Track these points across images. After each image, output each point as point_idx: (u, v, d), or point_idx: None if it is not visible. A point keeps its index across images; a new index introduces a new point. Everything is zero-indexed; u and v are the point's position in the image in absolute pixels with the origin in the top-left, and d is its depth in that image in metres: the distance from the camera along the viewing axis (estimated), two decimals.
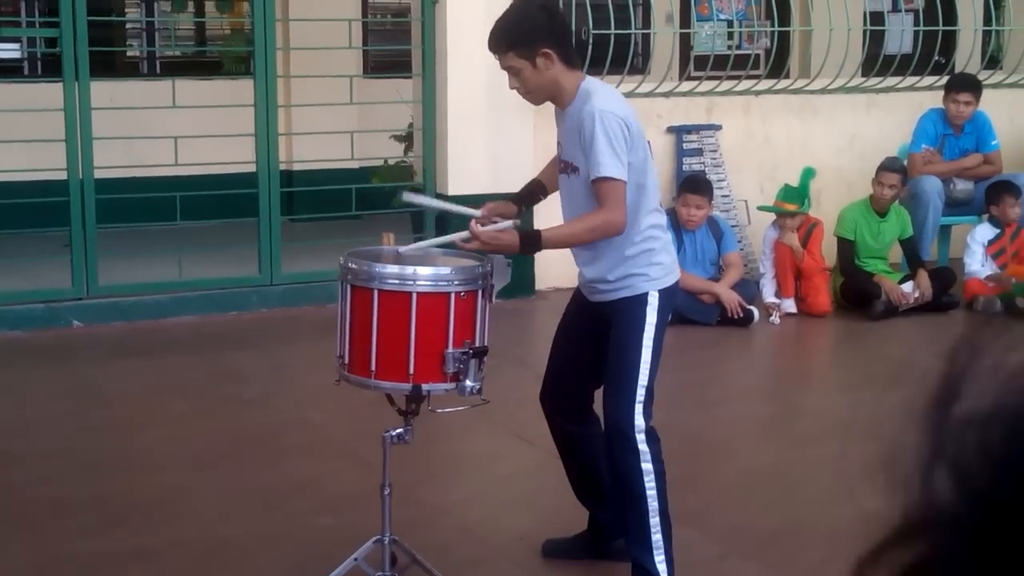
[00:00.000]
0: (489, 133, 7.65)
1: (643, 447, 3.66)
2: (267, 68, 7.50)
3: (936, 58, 9.19)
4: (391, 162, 8.56)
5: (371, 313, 3.56)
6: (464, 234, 3.65)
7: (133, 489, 4.74)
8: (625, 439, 3.66)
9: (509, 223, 3.74)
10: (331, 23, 8.21)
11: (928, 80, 8.84)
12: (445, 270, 3.66)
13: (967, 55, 9.16)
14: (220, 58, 10.96)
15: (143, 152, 7.84)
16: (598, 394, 3.86)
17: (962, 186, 8.25)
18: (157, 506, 4.59)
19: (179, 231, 8.03)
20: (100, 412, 5.70)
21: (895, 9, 9.98)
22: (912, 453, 0.65)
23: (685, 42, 9.86)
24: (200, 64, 11.14)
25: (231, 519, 4.47)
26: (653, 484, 3.67)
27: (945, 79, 8.56)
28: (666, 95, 8.33)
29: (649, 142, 4.12)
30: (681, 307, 6.14)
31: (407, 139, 8.43)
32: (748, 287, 7.49)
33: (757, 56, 9.23)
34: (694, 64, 9.13)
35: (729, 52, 8.81)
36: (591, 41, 7.80)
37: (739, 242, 7.95)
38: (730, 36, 10.25)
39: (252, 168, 7.52)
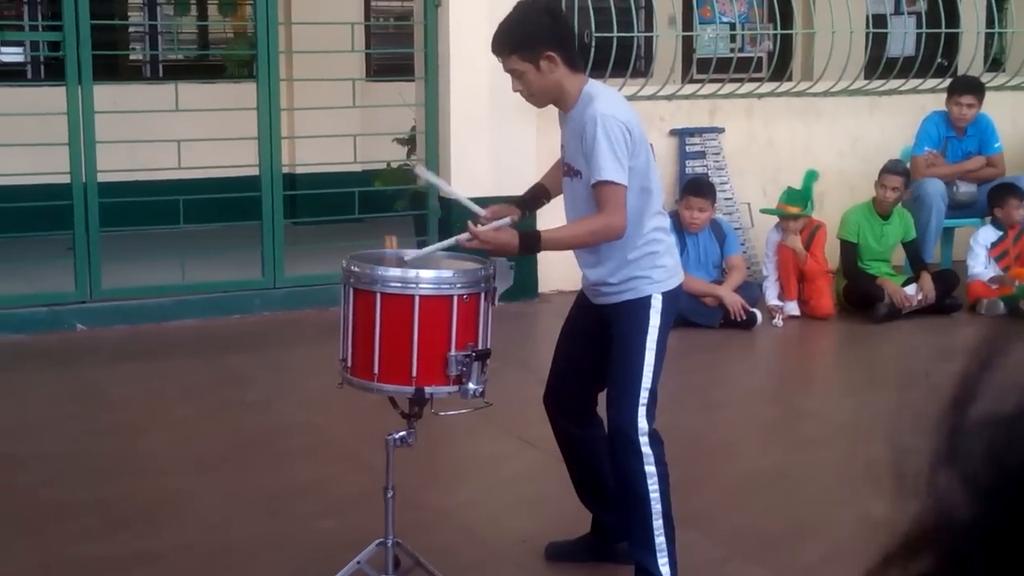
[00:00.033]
0: (491, 136, 7.65)
1: (646, 450, 3.66)
2: (270, 71, 7.50)
3: (939, 60, 9.19)
4: (394, 165, 8.56)
5: (374, 316, 3.56)
6: (466, 235, 3.66)
7: (136, 492, 4.74)
8: (628, 442, 3.66)
9: (506, 220, 3.74)
10: (334, 26, 8.21)
11: (931, 83, 8.84)
12: (447, 273, 3.66)
13: (970, 57, 9.16)
14: (223, 61, 10.97)
15: (146, 156, 7.85)
16: (601, 397, 3.86)
17: (965, 188, 8.24)
18: (160, 509, 4.59)
19: (182, 234, 8.04)
20: (103, 415, 5.70)
21: (898, 11, 9.99)
22: (924, 457, 0.64)
23: (688, 45, 9.85)
24: (203, 67, 11.15)
25: (234, 522, 4.47)
26: (656, 487, 3.67)
27: (948, 82, 8.56)
28: (669, 98, 8.33)
29: (652, 145, 4.12)
30: (684, 310, 6.14)
31: (410, 142, 8.43)
32: (751, 290, 7.49)
33: (760, 59, 9.23)
34: (697, 67, 9.13)
35: (732, 55, 8.82)
36: (594, 44, 7.81)
37: (742, 245, 7.94)
38: (733, 39, 10.26)
39: (255, 171, 7.52)
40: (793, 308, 7.53)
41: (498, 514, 4.60)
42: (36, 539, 4.32)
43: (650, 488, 3.66)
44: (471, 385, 3.54)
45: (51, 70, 9.75)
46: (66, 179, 7.17)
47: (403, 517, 3.81)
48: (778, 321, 7.39)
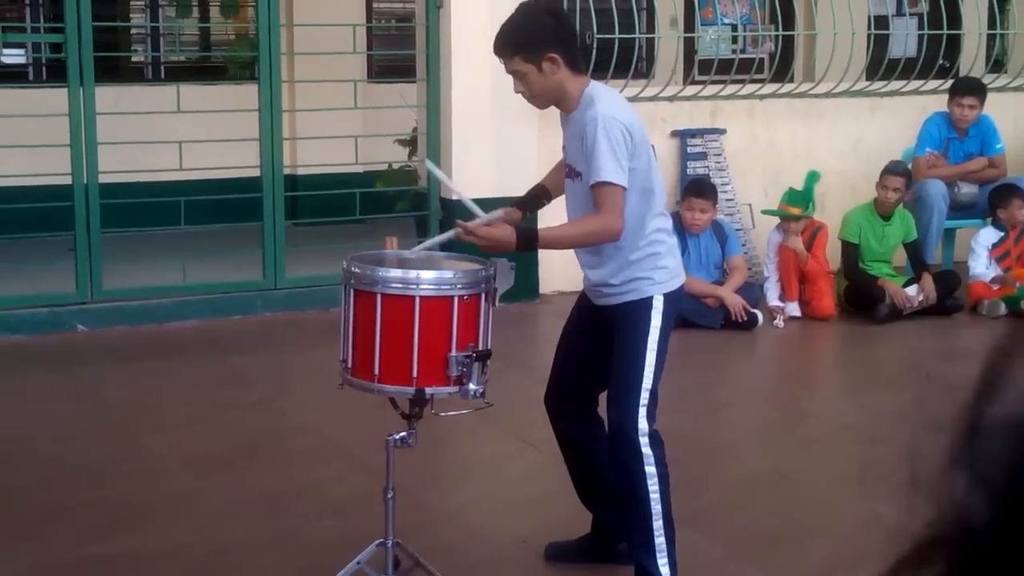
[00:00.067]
0: (493, 137, 7.65)
1: (646, 450, 3.66)
2: (272, 73, 7.50)
3: (940, 62, 9.19)
4: (395, 166, 8.56)
5: (374, 317, 3.56)
6: (460, 230, 3.67)
7: (136, 493, 4.75)
8: (628, 442, 3.66)
9: (496, 214, 3.75)
10: (335, 28, 8.21)
11: (932, 84, 8.84)
12: (448, 274, 3.66)
13: (971, 59, 9.15)
14: (225, 63, 10.97)
15: (147, 157, 7.85)
16: (602, 397, 3.86)
17: (966, 190, 8.24)
18: (160, 510, 4.59)
19: (183, 235, 8.05)
20: (103, 416, 5.70)
21: (899, 13, 9.99)
22: (939, 459, 0.64)
23: (689, 46, 9.86)
24: (205, 69, 11.16)
25: (234, 523, 4.48)
26: (656, 487, 3.67)
27: (949, 83, 8.56)
28: (670, 99, 8.33)
29: (653, 146, 4.12)
30: (685, 311, 6.14)
31: (411, 143, 8.43)
32: (752, 291, 7.49)
33: (761, 60, 9.23)
34: (698, 68, 9.14)
35: (733, 56, 8.82)
36: (595, 45, 7.81)
37: (743, 246, 7.94)
38: (734, 40, 10.27)
39: (256, 172, 7.53)
40: (794, 309, 7.53)
41: (498, 514, 4.60)
42: (35, 540, 4.32)
43: (650, 489, 3.66)
44: (472, 386, 3.54)
45: (53, 71, 9.75)
46: (67, 180, 7.17)
47: (403, 517, 3.81)
48: (779, 322, 7.39)
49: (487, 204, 3.95)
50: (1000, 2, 9.33)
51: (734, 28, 10.43)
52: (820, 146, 8.64)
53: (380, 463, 3.75)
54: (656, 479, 3.67)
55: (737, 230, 7.96)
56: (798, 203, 7.53)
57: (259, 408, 5.84)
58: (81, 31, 7.04)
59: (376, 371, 3.58)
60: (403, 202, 8.26)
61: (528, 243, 3.69)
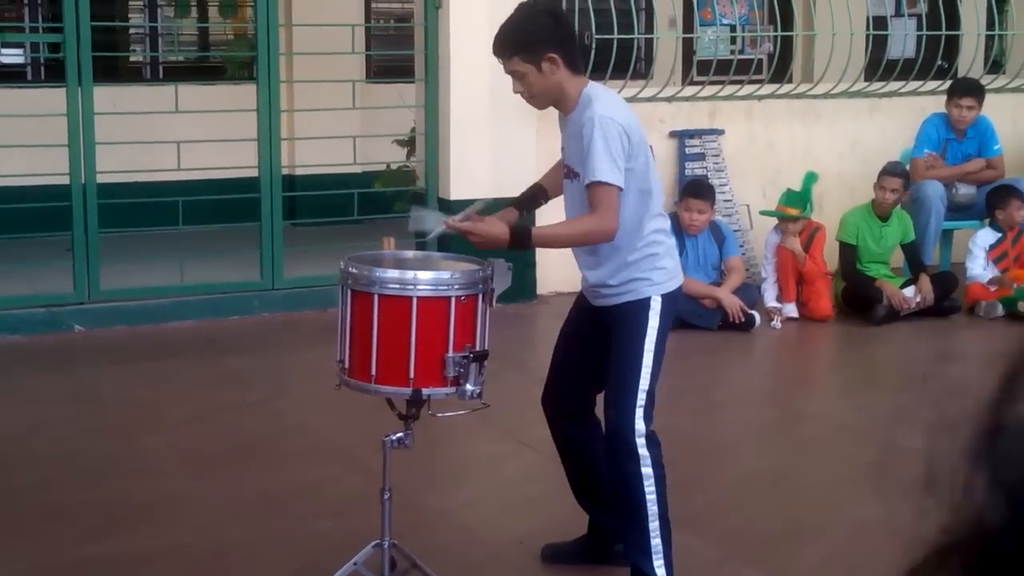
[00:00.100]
0: (491, 138, 7.65)
1: (643, 451, 3.66)
2: (270, 73, 7.50)
3: (939, 63, 9.19)
4: (394, 167, 8.56)
5: (371, 318, 3.56)
6: (453, 218, 3.68)
7: (134, 493, 4.74)
8: (625, 443, 3.66)
9: (478, 204, 3.76)
10: (334, 28, 8.21)
11: (931, 85, 8.84)
12: (445, 274, 3.66)
13: (970, 60, 9.16)
14: (223, 63, 10.97)
15: (146, 157, 7.86)
16: (600, 398, 3.86)
17: (964, 190, 8.24)
18: (158, 510, 4.59)
19: (181, 236, 8.04)
20: (101, 416, 5.70)
21: (898, 14, 9.99)
22: (954, 462, 0.63)
23: (688, 47, 9.86)
24: (203, 69, 11.15)
25: (231, 523, 4.48)
26: (653, 489, 3.67)
27: (948, 84, 8.56)
28: (669, 100, 8.33)
29: (651, 147, 4.12)
30: (682, 312, 6.14)
31: (410, 144, 8.43)
32: (750, 292, 7.49)
33: (760, 61, 9.23)
34: (697, 69, 9.13)
35: (732, 57, 8.82)
36: (594, 46, 7.81)
37: (741, 247, 7.94)
38: (733, 41, 10.27)
39: (254, 173, 7.53)
40: (792, 310, 7.53)
41: (495, 515, 4.60)
42: (32, 541, 4.32)
43: (647, 490, 3.66)
44: (469, 386, 3.54)
45: (51, 71, 9.75)
46: (65, 180, 7.17)
47: (400, 518, 3.82)
48: (776, 323, 7.39)
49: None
50: (999, 3, 9.34)
51: (732, 29, 10.43)
52: (818, 147, 8.64)
53: (377, 464, 3.75)
54: (652, 480, 3.67)
55: (735, 231, 7.97)
56: (796, 204, 7.54)
57: (257, 408, 5.84)
58: (79, 31, 7.04)
59: (373, 372, 3.58)
60: (401, 202, 8.25)
61: (521, 240, 3.68)
